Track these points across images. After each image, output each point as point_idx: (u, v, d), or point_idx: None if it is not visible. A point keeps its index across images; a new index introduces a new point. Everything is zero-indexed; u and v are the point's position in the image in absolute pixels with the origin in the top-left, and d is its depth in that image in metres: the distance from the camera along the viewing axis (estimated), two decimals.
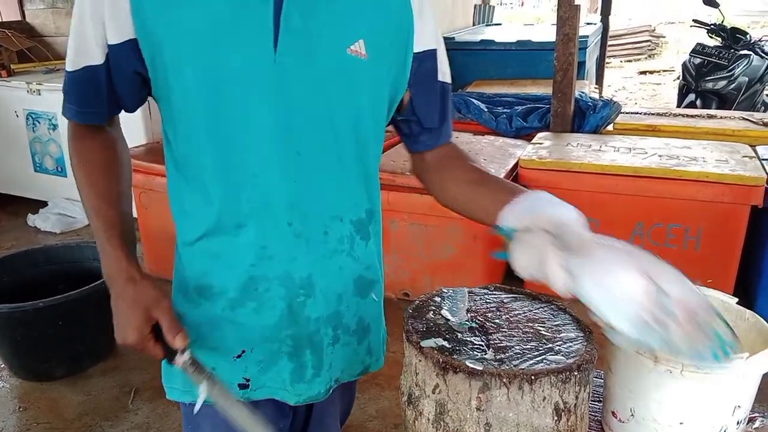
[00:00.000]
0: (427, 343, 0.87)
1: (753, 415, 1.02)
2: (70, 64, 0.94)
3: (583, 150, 3.19)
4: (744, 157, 2.99)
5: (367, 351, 1.13)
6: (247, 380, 1.04)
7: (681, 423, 0.89)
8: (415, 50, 1.00)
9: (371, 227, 1.07)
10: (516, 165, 3.14)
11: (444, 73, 1.05)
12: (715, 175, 2.76)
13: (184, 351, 0.89)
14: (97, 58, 0.92)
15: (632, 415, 0.94)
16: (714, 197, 2.78)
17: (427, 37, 1.01)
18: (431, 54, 1.02)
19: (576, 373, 0.82)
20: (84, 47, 0.92)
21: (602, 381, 1.07)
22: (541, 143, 3.35)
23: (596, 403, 1.07)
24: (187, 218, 1.01)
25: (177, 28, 0.88)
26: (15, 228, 4.29)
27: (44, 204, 4.39)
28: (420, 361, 0.87)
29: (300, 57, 0.90)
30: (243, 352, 1.02)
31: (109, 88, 0.95)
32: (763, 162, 2.91)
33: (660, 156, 3.02)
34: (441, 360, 0.83)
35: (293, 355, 1.03)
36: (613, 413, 0.98)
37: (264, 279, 0.99)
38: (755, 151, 3.10)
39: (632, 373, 0.92)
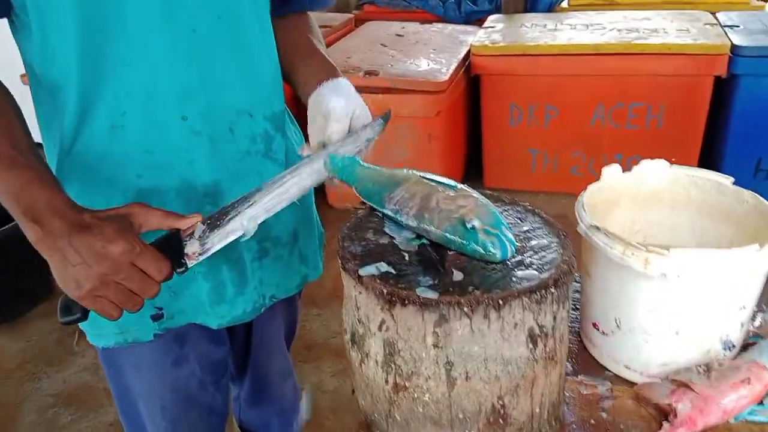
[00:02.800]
0: (366, 271, 0.69)
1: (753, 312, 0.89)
2: None
3: (539, 30, 2.95)
4: (705, 24, 2.82)
5: (300, 260, 1.00)
6: (160, 309, 0.89)
7: (677, 333, 0.75)
8: None
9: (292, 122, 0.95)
10: (468, 53, 2.89)
11: None
12: (677, 46, 2.59)
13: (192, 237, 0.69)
14: None
15: (618, 326, 0.79)
16: (676, 70, 2.62)
17: None
18: None
19: (553, 290, 0.65)
20: None
21: (578, 284, 0.93)
22: (493, 26, 3.10)
23: (573, 311, 0.93)
24: (48, 130, 0.82)
25: None
26: None
27: None
28: (360, 293, 0.69)
29: None
30: None
31: None
32: (725, 29, 2.74)
33: (619, 30, 2.82)
34: (385, 291, 0.65)
35: (208, 275, 0.88)
36: (594, 325, 0.84)
37: (156, 192, 0.81)
38: (716, 18, 2.92)
39: (616, 278, 0.77)
